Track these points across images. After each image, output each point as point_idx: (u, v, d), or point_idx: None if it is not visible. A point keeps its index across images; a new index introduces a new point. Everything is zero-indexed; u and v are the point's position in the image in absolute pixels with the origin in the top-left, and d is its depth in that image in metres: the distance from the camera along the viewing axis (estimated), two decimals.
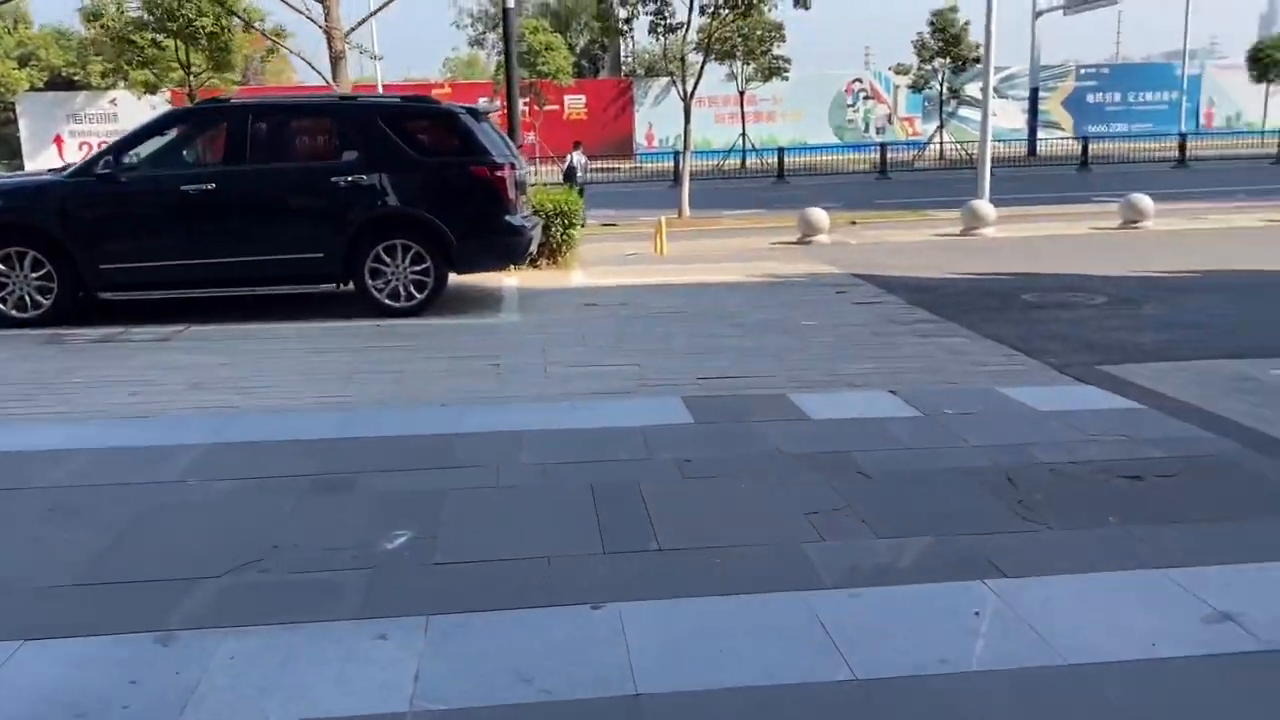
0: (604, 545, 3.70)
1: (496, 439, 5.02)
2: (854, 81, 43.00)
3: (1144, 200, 15.39)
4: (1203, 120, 42.96)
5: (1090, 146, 31.00)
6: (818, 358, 6.87)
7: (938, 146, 35.70)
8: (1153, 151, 32.35)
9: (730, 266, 11.75)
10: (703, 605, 3.23)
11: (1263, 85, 39.34)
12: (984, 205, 15.24)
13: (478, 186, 8.66)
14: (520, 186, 9.35)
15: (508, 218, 8.77)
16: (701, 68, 21.32)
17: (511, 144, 10.23)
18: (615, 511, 4.02)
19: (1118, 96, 43.59)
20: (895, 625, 3.08)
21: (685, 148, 21.23)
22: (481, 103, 17.17)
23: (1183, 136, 32.02)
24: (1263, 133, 36.30)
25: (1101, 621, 3.07)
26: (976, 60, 34.44)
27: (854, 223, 17.34)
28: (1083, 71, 44.12)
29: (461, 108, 9.13)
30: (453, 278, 9.10)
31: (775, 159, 29.94)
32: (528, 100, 33.37)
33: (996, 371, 6.40)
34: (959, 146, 33.80)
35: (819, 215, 14.75)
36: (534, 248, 9.75)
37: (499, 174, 8.64)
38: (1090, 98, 43.19)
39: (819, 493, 4.21)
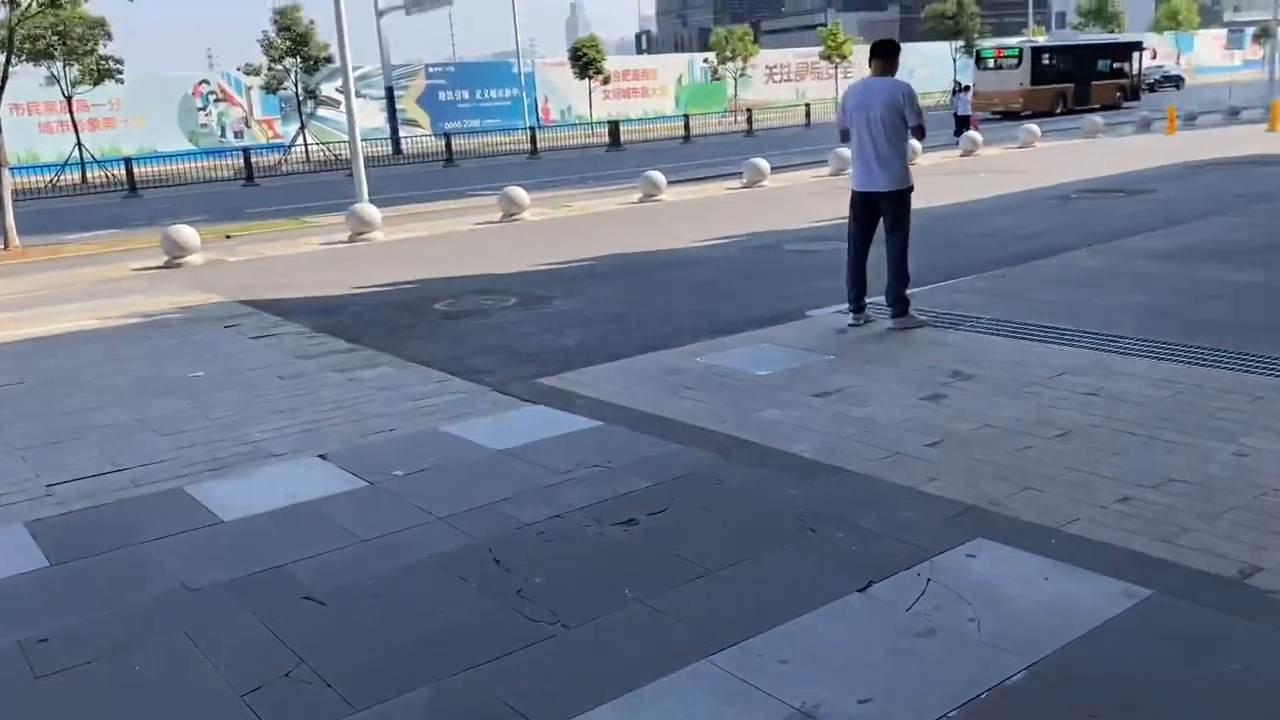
0: None
1: None
2: (201, 83, 39.65)
3: (519, 192, 15.76)
4: (541, 115, 46.83)
5: (453, 142, 31.89)
6: (217, 423, 5.44)
7: (303, 149, 34.19)
8: (508, 145, 34.36)
9: (83, 308, 9.44)
10: None
11: (585, 81, 44.02)
12: (368, 208, 14.44)
13: None
14: None
15: None
16: (5, 68, 17.51)
17: None
18: None
19: (466, 94, 45.72)
20: None
21: None
22: None
23: (532, 130, 34.46)
24: (592, 124, 40.43)
25: None
26: (328, 59, 33.62)
27: (229, 237, 15.47)
28: (431, 70, 45.48)
29: None
30: None
31: (123, 170, 26.20)
32: None
33: (435, 405, 5.55)
34: (325, 148, 32.66)
35: (187, 232, 12.73)
36: None
37: None
38: (442, 95, 44.68)
39: (256, 648, 2.97)
